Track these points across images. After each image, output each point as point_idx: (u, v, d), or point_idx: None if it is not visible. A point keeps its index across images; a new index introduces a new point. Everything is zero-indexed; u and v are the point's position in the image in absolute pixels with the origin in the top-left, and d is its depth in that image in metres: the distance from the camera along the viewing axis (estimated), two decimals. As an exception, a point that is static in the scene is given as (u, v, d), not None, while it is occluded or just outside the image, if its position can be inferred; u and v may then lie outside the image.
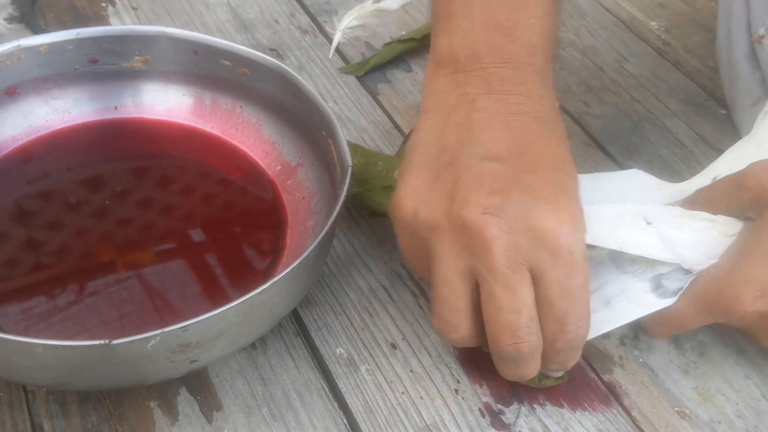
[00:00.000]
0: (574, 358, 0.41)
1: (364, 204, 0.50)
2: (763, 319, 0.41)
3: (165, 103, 0.52)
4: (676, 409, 0.44)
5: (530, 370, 0.40)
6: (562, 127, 0.41)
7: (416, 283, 0.49)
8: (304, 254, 0.38)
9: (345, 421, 0.42)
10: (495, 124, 0.40)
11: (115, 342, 0.33)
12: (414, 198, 0.39)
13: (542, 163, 0.39)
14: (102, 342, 0.33)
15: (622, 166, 0.58)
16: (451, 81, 0.42)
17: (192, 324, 0.34)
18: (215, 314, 0.35)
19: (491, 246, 0.36)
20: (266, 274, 0.45)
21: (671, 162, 0.58)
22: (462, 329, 0.39)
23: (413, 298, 0.48)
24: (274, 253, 0.47)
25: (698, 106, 0.63)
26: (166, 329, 0.34)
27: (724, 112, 0.62)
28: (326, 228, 0.40)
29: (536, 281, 0.38)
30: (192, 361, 0.37)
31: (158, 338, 0.34)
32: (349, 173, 0.43)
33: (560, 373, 0.43)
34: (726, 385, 0.45)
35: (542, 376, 0.43)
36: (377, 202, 0.48)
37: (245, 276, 0.46)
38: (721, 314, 0.42)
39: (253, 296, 0.36)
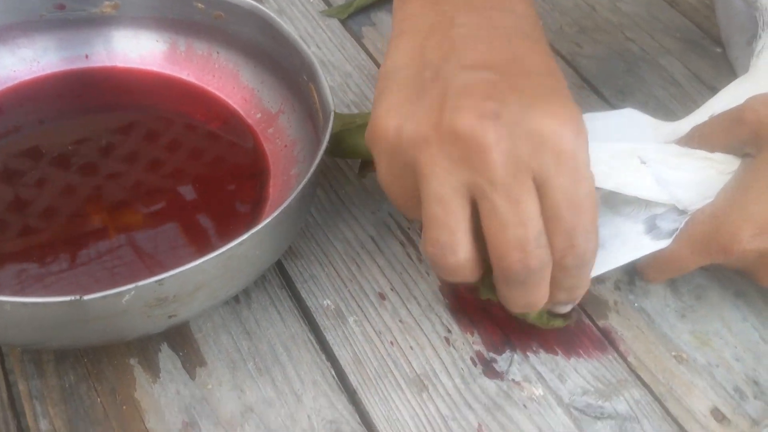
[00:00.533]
0: (583, 283, 0.38)
1: (341, 147, 0.47)
2: (762, 257, 0.40)
3: (138, 50, 0.50)
4: (672, 353, 0.43)
5: (539, 295, 0.37)
6: (548, 46, 0.38)
7: (404, 233, 0.47)
8: (285, 203, 0.36)
9: (333, 373, 0.41)
10: (478, 36, 0.36)
11: (86, 297, 0.32)
12: (395, 114, 0.34)
13: (533, 70, 0.36)
14: (72, 298, 0.31)
15: (615, 108, 0.56)
16: (426, 1, 0.38)
17: (168, 277, 0.33)
18: (192, 267, 0.33)
19: (490, 154, 0.32)
20: (249, 225, 0.43)
21: (666, 102, 0.57)
22: (461, 251, 0.34)
23: (402, 247, 0.47)
24: (257, 204, 0.45)
25: (694, 45, 0.61)
26: (140, 283, 0.32)
27: (719, 50, 0.60)
28: (308, 175, 0.38)
29: (541, 191, 0.34)
30: (171, 316, 0.36)
31: (132, 293, 0.32)
32: (332, 118, 0.41)
33: (568, 308, 0.41)
34: (724, 329, 0.44)
35: (550, 315, 0.41)
36: (353, 143, 0.46)
37: (228, 228, 0.44)
38: (719, 254, 0.41)
39: (232, 247, 0.34)
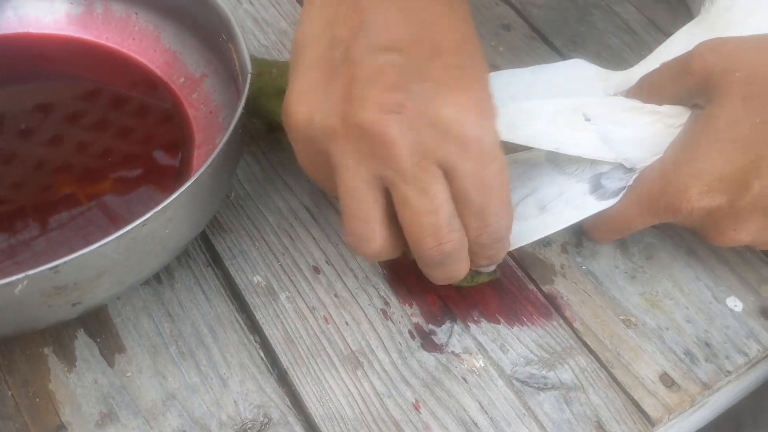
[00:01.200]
0: (502, 250, 0.38)
1: (259, 114, 0.45)
2: (711, 215, 0.38)
3: (52, 14, 0.47)
4: (621, 317, 0.41)
5: (460, 269, 0.37)
6: (467, 7, 0.37)
7: (341, 200, 0.45)
8: (196, 175, 0.34)
9: (262, 354, 0.39)
10: (389, 6, 0.35)
11: (-31, 290, 0.29)
12: (306, 103, 0.35)
13: (444, 47, 0.35)
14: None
15: (567, 59, 0.53)
16: None
17: (62, 264, 0.30)
18: (88, 252, 0.31)
19: (395, 147, 0.33)
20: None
21: (620, 51, 0.54)
22: (376, 240, 0.35)
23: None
24: (180, 176, 0.42)
25: (649, -11, 0.58)
26: (31, 272, 0.30)
27: (676, -7, 0.58)
28: (223, 141, 0.35)
29: (449, 177, 0.34)
30: (75, 304, 0.33)
31: (25, 282, 0.30)
32: (249, 80, 0.38)
33: (491, 267, 0.40)
34: (675, 289, 0.42)
35: (475, 273, 0.40)
36: (271, 111, 0.43)
37: (149, 203, 0.41)
38: (667, 213, 0.39)
39: (133, 228, 0.32)
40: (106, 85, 0.46)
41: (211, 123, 0.44)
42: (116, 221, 0.40)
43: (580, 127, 0.40)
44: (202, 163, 0.41)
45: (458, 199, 0.35)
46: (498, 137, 0.35)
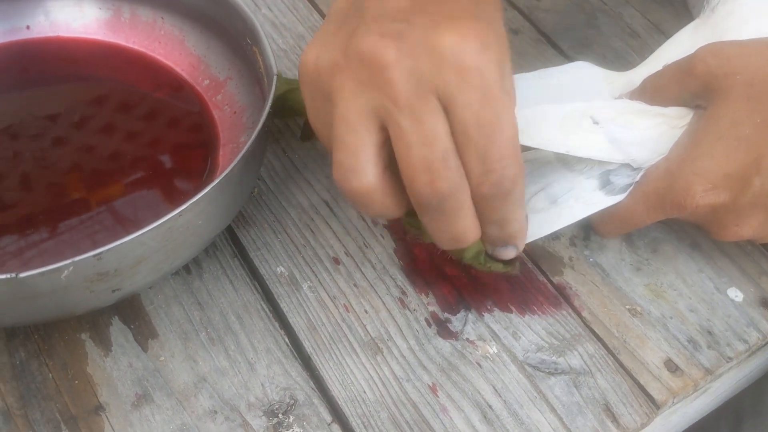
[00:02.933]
0: (513, 218, 0.36)
1: (286, 107, 0.46)
2: (715, 212, 0.40)
3: (81, 19, 0.49)
4: (627, 306, 0.43)
5: (462, 226, 0.35)
6: None
7: (359, 195, 0.47)
8: (225, 172, 0.36)
9: (287, 340, 0.41)
10: None
11: (23, 275, 0.31)
12: (316, 47, 0.35)
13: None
14: (8, 276, 0.31)
15: (573, 61, 0.55)
16: None
17: (106, 251, 0.32)
18: (130, 240, 0.33)
19: (391, 72, 0.32)
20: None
21: (625, 54, 0.56)
22: (364, 175, 0.33)
23: (356, 211, 0.46)
24: (207, 173, 0.44)
25: (653, -6, 0.60)
26: (78, 258, 0.32)
27: (680, -2, 0.59)
28: (251, 141, 0.37)
29: (448, 111, 0.33)
30: (114, 290, 0.35)
31: (71, 268, 0.32)
32: (275, 81, 0.40)
33: (509, 253, 0.38)
34: (679, 280, 0.44)
35: (488, 258, 0.39)
36: (297, 100, 0.45)
37: (178, 198, 0.43)
38: (672, 209, 0.41)
39: (171, 218, 0.34)
40: (132, 86, 0.48)
41: (236, 123, 0.46)
42: (156, 214, 0.42)
43: (588, 131, 0.42)
44: (228, 161, 0.44)
45: (458, 136, 0.33)
46: (505, 81, 0.33)
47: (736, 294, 0.44)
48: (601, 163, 0.42)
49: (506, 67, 0.34)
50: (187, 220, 0.35)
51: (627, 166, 0.42)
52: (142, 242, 0.34)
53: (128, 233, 0.33)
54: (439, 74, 0.32)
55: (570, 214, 0.42)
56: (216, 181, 0.35)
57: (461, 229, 0.35)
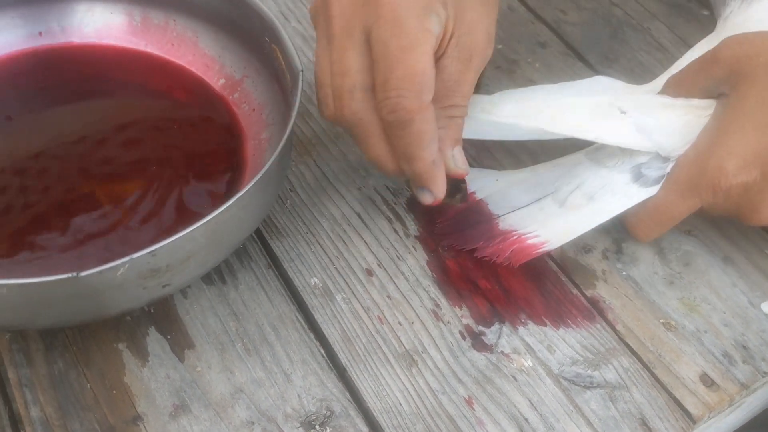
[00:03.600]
0: (416, 154, 0.39)
1: None
2: (747, 191, 0.40)
3: (93, 24, 0.49)
4: (661, 320, 0.43)
5: (374, 152, 0.40)
6: None
7: (391, 208, 0.47)
8: (266, 167, 0.36)
9: (322, 351, 0.41)
10: None
11: (83, 274, 0.32)
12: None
13: None
14: (69, 275, 0.32)
15: (601, 74, 0.55)
16: None
17: (160, 248, 0.33)
18: (183, 236, 0.33)
19: (330, 8, 0.38)
20: (231, 191, 0.43)
21: (652, 67, 0.56)
22: (324, 87, 0.39)
23: (388, 223, 0.46)
24: (234, 170, 0.45)
25: (680, 8, 0.60)
26: (135, 255, 0.32)
27: (706, 13, 0.59)
28: (287, 133, 0.38)
29: (369, 44, 0.37)
30: (165, 285, 0.36)
31: (127, 266, 0.33)
32: (301, 78, 0.41)
33: (425, 195, 0.41)
34: (712, 294, 0.44)
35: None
36: None
37: (212, 195, 0.44)
38: (707, 193, 0.41)
39: (219, 214, 0.34)
40: (149, 89, 0.48)
41: (256, 120, 0.46)
42: (191, 212, 0.42)
43: (616, 119, 0.43)
44: (254, 156, 0.44)
45: (372, 68, 0.37)
46: (425, 20, 0.37)
47: (770, 308, 0.44)
48: (631, 156, 0.43)
49: (440, 9, 0.37)
50: (231, 214, 0.35)
51: (657, 157, 0.43)
52: (193, 237, 0.34)
53: (174, 233, 0.33)
54: (365, 9, 0.37)
55: (608, 209, 0.43)
56: (259, 175, 0.36)
57: (374, 156, 0.40)
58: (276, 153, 0.38)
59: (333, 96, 0.38)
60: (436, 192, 0.41)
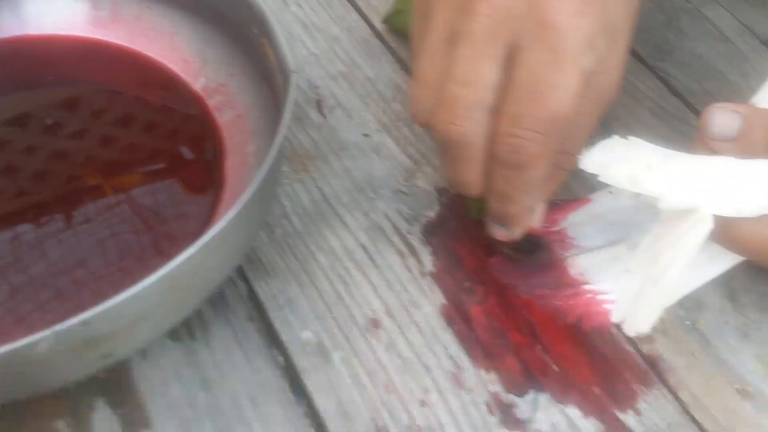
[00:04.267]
0: (516, 197, 0.34)
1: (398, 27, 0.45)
2: None
3: (53, 13, 0.42)
4: (735, 386, 0.35)
5: (466, 176, 0.34)
6: None
7: (404, 239, 0.39)
8: (249, 191, 0.28)
9: (313, 431, 0.33)
10: None
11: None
12: None
13: None
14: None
15: (653, 70, 0.47)
16: None
17: (94, 315, 0.25)
18: (126, 298, 0.25)
19: (479, 2, 0.31)
20: (206, 220, 0.35)
21: (713, 61, 0.48)
22: (428, 103, 0.33)
23: (400, 258, 0.38)
24: (211, 191, 0.37)
25: (744, -9, 0.51)
26: (58, 327, 0.25)
27: (776, -5, 0.51)
28: (270, 156, 0.30)
29: (512, 62, 0.31)
30: (107, 356, 0.28)
31: (51, 339, 0.25)
32: (293, 80, 0.33)
33: (500, 231, 0.36)
34: (798, 350, 0.36)
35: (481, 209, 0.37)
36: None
37: (182, 228, 0.36)
38: None
39: (179, 265, 0.26)
40: (117, 89, 0.41)
41: (241, 129, 0.39)
42: (146, 252, 0.34)
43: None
44: (236, 174, 0.36)
45: (506, 91, 0.31)
46: (587, 58, 0.31)
47: None
48: None
49: (600, 44, 0.31)
50: (198, 262, 0.27)
51: None
52: (142, 298, 0.26)
53: (121, 283, 0.26)
54: (522, 22, 0.31)
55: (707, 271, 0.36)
56: (233, 212, 0.28)
57: (463, 180, 0.34)
58: (263, 171, 0.30)
59: (442, 102, 0.32)
60: (516, 234, 0.36)
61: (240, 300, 0.36)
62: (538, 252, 0.38)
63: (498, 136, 0.32)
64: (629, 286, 0.35)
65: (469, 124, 0.32)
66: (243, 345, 0.35)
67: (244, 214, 0.29)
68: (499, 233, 0.36)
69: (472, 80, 0.31)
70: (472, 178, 0.34)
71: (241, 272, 0.37)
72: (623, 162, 0.34)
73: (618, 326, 0.36)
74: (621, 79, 0.34)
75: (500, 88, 0.31)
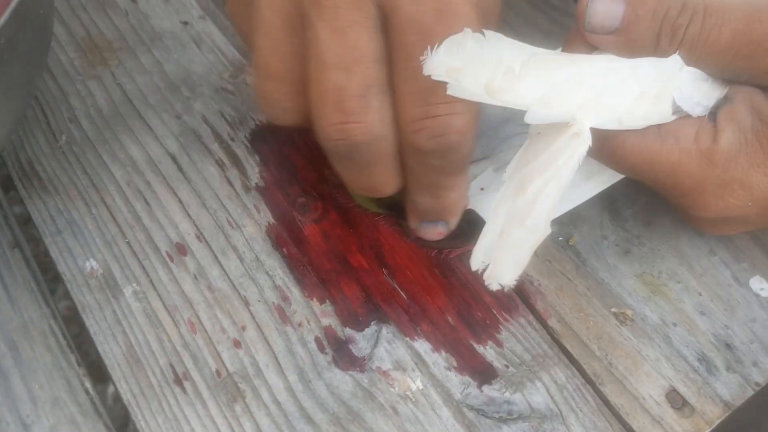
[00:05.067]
0: (452, 183, 0.29)
1: None
2: None
3: None
4: (612, 309, 0.31)
5: (378, 179, 0.28)
6: None
7: (224, 144, 0.33)
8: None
9: (89, 384, 0.27)
10: None
11: None
12: None
13: None
14: None
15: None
16: None
17: None
18: None
19: None
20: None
21: None
22: (278, 77, 0.27)
23: (219, 169, 0.32)
24: None
25: None
26: None
27: None
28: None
29: (389, 24, 0.26)
30: None
31: None
32: None
33: (439, 228, 0.31)
34: (683, 267, 0.32)
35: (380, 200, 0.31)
36: None
37: None
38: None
39: None
40: None
41: None
42: None
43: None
44: None
45: (395, 61, 0.25)
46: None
47: (761, 286, 0.32)
48: None
49: None
50: None
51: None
52: None
53: None
54: None
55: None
56: None
57: (375, 183, 0.28)
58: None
59: (323, 99, 0.26)
60: (453, 224, 0.31)
61: (4, 222, 0.29)
62: None
63: (411, 123, 0.26)
64: (492, 224, 0.29)
65: (370, 116, 0.26)
66: (4, 278, 0.28)
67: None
68: (432, 232, 0.31)
69: (352, 59, 0.25)
70: (386, 177, 0.28)
71: (7, 186, 0.30)
72: (478, 65, 0.27)
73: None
74: None
75: (387, 60, 0.26)
